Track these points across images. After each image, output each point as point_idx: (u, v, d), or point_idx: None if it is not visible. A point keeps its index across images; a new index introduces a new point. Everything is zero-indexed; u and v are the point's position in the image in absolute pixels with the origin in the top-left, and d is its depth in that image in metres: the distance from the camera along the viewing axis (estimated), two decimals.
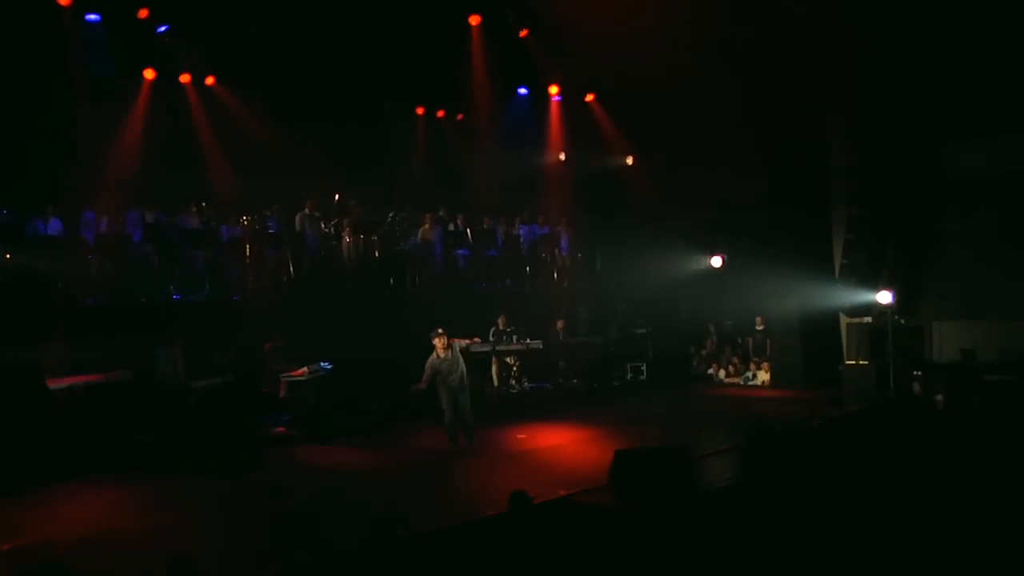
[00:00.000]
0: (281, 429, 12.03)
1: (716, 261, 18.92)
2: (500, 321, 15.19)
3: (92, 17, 12.76)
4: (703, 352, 18.54)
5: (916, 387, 13.52)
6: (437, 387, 10.73)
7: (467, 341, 11.25)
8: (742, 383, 16.85)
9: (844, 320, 16.27)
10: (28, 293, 11.27)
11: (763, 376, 16.76)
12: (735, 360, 17.60)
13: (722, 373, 17.52)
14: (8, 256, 11.48)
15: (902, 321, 15.19)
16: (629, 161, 19.92)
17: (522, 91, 18.15)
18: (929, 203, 15.82)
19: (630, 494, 7.97)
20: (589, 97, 18.56)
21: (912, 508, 7.42)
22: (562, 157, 19.17)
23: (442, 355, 10.67)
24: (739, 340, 18.18)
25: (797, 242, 16.13)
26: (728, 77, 15.44)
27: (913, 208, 15.82)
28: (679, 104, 16.34)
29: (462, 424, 10.78)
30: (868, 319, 15.64)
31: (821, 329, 16.29)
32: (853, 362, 15.21)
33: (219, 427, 11.28)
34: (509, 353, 15.25)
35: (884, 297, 14.67)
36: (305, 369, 12.04)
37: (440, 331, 10.76)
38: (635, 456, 8.45)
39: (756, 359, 17.17)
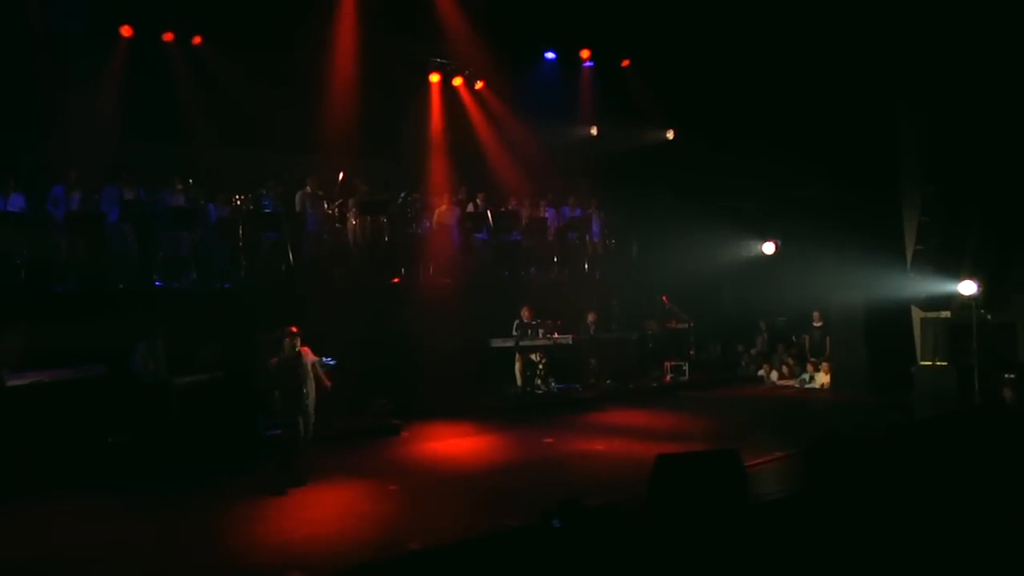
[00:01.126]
0: (276, 432, 11.46)
1: (768, 247, 18.81)
2: (524, 313, 14.95)
3: None
4: (752, 351, 18.34)
5: (1008, 393, 12.94)
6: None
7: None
8: (798, 386, 16.60)
9: (918, 315, 15.83)
10: None
11: (822, 378, 16.47)
12: (789, 360, 17.33)
13: (774, 375, 17.25)
14: None
15: (988, 316, 14.64)
16: (670, 135, 19.83)
17: (549, 56, 18.04)
18: (1020, 178, 15.17)
19: (674, 503, 7.55)
20: (624, 63, 18.36)
21: (1005, 532, 7.18)
22: (594, 131, 19.22)
23: (288, 356, 9.51)
24: (794, 338, 17.94)
25: (861, 225, 15.79)
26: (781, 38, 15.00)
27: (1001, 184, 15.21)
28: (726, 71, 16.03)
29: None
30: (947, 313, 15.21)
31: (890, 325, 15.92)
32: (929, 363, 14.87)
33: (205, 429, 11.04)
34: (534, 349, 14.98)
35: (967, 288, 14.18)
36: None
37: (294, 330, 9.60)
38: (679, 461, 7.97)
39: (814, 359, 16.88)
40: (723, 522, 7.24)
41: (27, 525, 8.15)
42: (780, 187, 16.90)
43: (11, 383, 9.99)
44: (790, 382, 16.77)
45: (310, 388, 9.59)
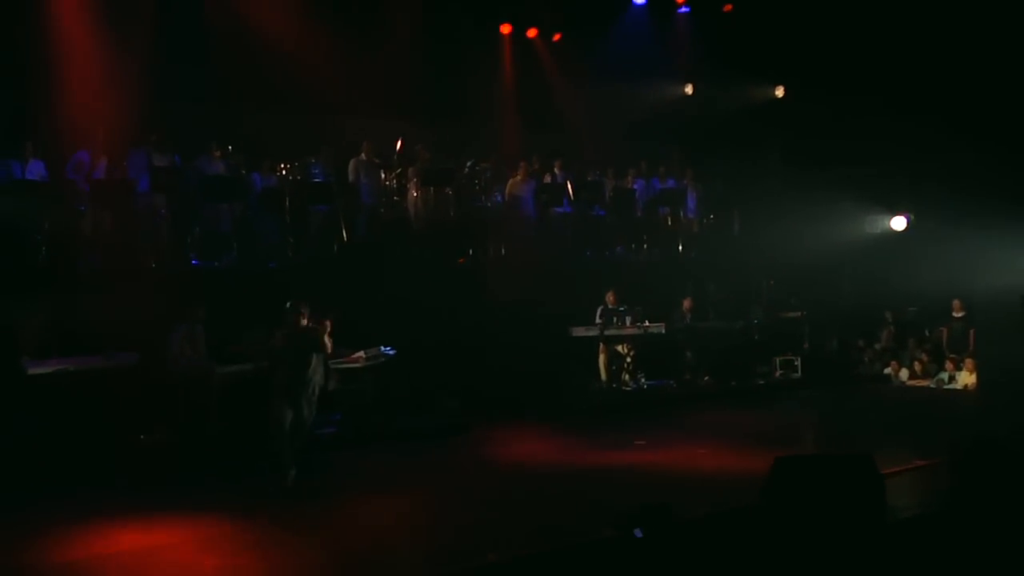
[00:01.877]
0: (331, 429, 11.75)
1: (898, 223, 18.45)
2: (609, 298, 14.92)
3: None
4: (877, 346, 17.94)
5: None
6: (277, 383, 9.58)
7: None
8: (935, 386, 16.17)
9: None
10: (1, 253, 11.20)
11: (966, 378, 15.91)
12: (923, 357, 16.94)
13: (904, 373, 16.90)
14: None
15: None
16: (779, 93, 19.76)
17: (638, 1, 17.87)
18: None
19: (793, 516, 7.19)
20: (726, 7, 18.23)
21: None
22: (689, 89, 19.18)
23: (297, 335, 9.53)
24: (927, 331, 17.53)
25: (1016, 197, 15.11)
26: None
27: None
28: (846, 15, 15.50)
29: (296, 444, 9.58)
30: None
31: None
32: None
33: (249, 425, 10.90)
34: (621, 339, 14.94)
35: None
36: (362, 355, 11.88)
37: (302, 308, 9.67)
38: (802, 465, 7.63)
39: (953, 356, 16.37)
40: (854, 541, 6.95)
41: (49, 531, 8.12)
42: (914, 152, 16.53)
43: (32, 371, 10.08)
44: (924, 382, 16.38)
45: (315, 377, 9.55)
